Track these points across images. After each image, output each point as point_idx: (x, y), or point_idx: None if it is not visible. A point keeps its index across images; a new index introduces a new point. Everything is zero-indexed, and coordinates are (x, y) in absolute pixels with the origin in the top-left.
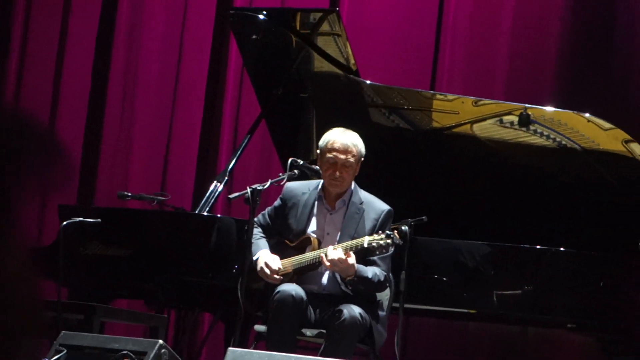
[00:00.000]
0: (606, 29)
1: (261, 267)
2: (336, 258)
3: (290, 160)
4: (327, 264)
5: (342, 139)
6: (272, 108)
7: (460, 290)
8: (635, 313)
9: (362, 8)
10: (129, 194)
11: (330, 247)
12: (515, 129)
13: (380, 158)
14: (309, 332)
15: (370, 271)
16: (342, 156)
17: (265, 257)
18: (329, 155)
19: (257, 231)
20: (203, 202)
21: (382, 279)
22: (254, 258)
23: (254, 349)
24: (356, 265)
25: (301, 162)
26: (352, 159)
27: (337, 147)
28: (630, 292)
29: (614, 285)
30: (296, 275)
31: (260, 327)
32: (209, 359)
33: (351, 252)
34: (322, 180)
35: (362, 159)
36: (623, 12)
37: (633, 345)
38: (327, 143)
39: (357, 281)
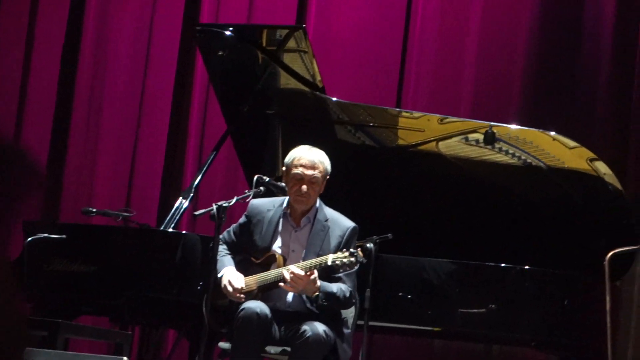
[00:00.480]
0: (572, 50)
1: (224, 285)
2: (295, 276)
3: (256, 177)
4: (288, 287)
5: (309, 156)
6: (238, 124)
7: (425, 308)
8: (599, 332)
9: (329, 25)
10: (94, 210)
11: (286, 269)
12: (481, 147)
13: (346, 175)
14: (273, 350)
15: (335, 286)
16: (309, 172)
17: (229, 275)
18: (295, 171)
19: (222, 248)
20: (168, 218)
21: (347, 294)
22: (219, 275)
23: None
24: (319, 281)
25: (267, 179)
26: (318, 175)
27: (304, 163)
28: (594, 310)
29: (578, 304)
30: (261, 292)
31: (224, 344)
32: None
33: (314, 270)
34: (287, 197)
35: (328, 177)
36: (589, 32)
37: None
38: (293, 159)
39: (323, 297)
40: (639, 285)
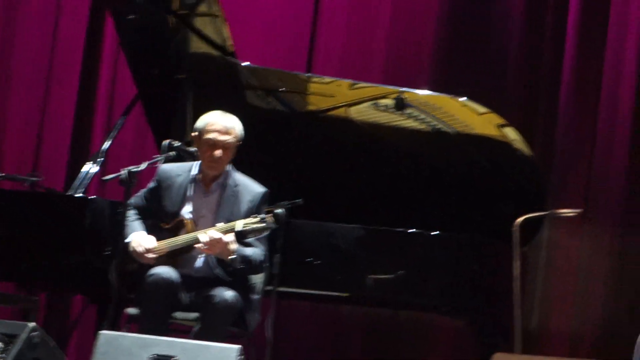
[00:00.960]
0: (483, 15)
1: (134, 248)
2: (213, 239)
3: (167, 141)
4: (205, 247)
5: (223, 121)
6: (148, 89)
7: (333, 274)
8: (507, 297)
9: None
10: (1, 174)
11: (205, 230)
12: (391, 113)
13: (256, 140)
14: (181, 315)
15: (250, 250)
16: (223, 137)
17: (139, 238)
18: (208, 136)
19: (131, 213)
20: (77, 183)
21: (262, 258)
22: (127, 240)
23: (126, 331)
24: (235, 245)
25: (177, 144)
26: (232, 140)
27: (217, 129)
28: (503, 276)
29: (487, 270)
30: (170, 257)
31: (132, 310)
32: (80, 342)
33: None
34: (197, 162)
35: (240, 142)
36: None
37: (501, 327)
38: (207, 124)
39: (240, 260)
40: (546, 251)
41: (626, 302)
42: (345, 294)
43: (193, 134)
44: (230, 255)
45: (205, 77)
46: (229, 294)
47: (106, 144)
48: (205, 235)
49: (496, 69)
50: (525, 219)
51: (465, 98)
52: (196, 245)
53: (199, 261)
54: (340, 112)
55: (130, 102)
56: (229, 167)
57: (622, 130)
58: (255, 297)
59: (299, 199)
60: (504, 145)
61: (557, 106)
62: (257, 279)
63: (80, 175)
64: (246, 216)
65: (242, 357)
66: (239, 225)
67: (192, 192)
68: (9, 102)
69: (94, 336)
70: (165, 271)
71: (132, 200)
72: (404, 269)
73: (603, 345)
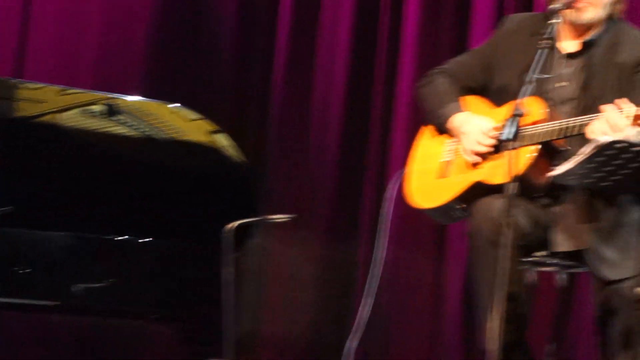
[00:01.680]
0: (195, 20)
1: None
2: None
3: None
4: None
5: None
6: None
7: (41, 282)
8: (216, 303)
9: None
10: None
11: None
12: (101, 119)
13: None
14: None
15: None
16: None
17: None
18: None
19: None
20: None
21: None
22: None
23: None
24: None
25: None
26: None
27: None
28: (212, 282)
29: (197, 276)
30: None
31: None
32: None
33: None
34: None
35: None
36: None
37: (213, 334)
38: None
39: None
40: (258, 257)
41: (333, 307)
42: (54, 303)
43: None
44: None
45: None
46: None
47: None
48: None
49: (208, 75)
50: (238, 225)
51: (177, 104)
52: None
53: None
54: (49, 118)
55: None
56: None
57: (333, 138)
58: None
59: (9, 207)
60: (215, 152)
61: (269, 113)
62: None
63: None
64: None
65: None
66: None
67: None
68: None
69: None
70: None
71: None
72: (113, 276)
73: (311, 350)
